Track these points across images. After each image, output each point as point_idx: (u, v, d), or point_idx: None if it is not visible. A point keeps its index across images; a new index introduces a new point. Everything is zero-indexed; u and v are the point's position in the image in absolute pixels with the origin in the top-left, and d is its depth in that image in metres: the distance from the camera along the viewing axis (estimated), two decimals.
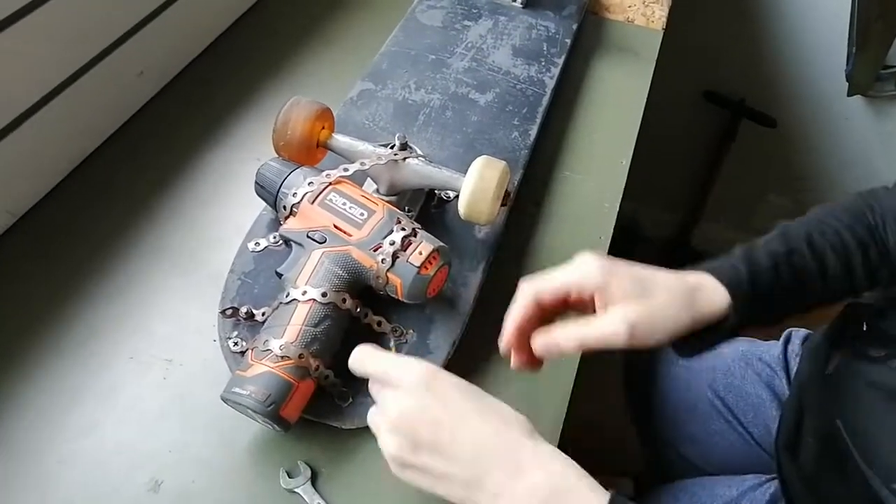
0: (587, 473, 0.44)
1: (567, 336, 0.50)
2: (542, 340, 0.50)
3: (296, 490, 0.55)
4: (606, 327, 0.49)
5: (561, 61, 0.90)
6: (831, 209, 0.60)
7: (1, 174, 0.67)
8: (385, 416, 0.47)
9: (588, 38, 1.01)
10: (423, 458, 0.45)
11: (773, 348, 0.85)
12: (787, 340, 0.85)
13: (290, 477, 0.55)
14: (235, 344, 0.60)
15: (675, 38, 1.13)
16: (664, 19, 1.05)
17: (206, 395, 0.58)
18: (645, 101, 0.93)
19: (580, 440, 0.80)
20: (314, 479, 0.55)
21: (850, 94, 1.47)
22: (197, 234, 0.71)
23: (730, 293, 0.52)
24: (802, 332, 0.85)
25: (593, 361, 0.68)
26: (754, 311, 0.53)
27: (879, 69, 1.41)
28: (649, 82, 0.96)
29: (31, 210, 0.71)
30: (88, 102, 0.75)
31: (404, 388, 0.47)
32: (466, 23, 0.93)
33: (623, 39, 1.02)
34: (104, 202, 0.73)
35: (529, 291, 0.51)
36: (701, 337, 0.53)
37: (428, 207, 0.71)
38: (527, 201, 0.78)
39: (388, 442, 0.47)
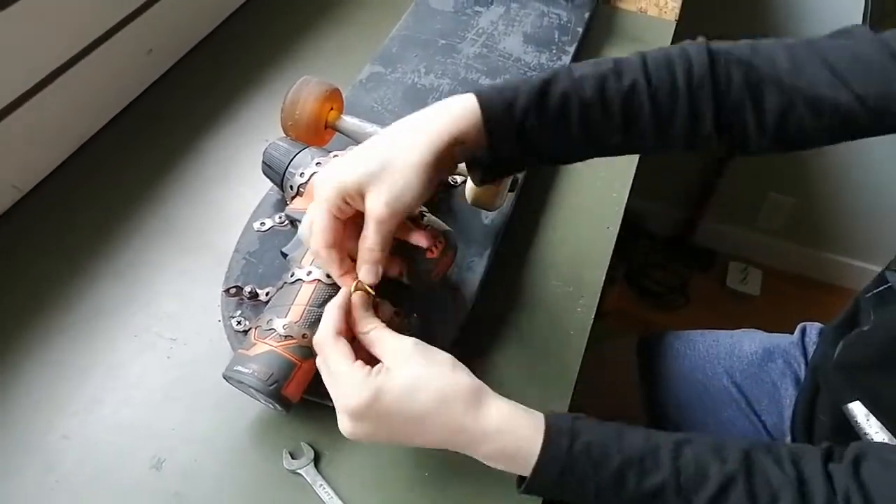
0: (522, 415, 0.47)
1: (365, 257, 0.50)
2: (364, 275, 0.51)
3: (298, 471, 0.54)
4: (371, 229, 0.49)
5: (572, 50, 0.89)
6: (692, 53, 0.52)
7: (8, 149, 0.67)
8: (340, 425, 0.48)
9: (600, 27, 1.01)
10: (385, 442, 0.49)
11: (790, 339, 0.86)
12: (804, 332, 0.85)
13: (292, 458, 0.55)
14: (238, 323, 0.59)
15: (688, 29, 1.12)
16: (677, 10, 1.05)
17: (210, 375, 0.58)
18: None
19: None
20: (317, 462, 0.55)
21: None
22: (204, 213, 0.71)
23: (489, 138, 0.50)
24: (817, 325, 0.85)
25: (606, 340, 0.68)
26: (517, 148, 0.51)
27: None
28: None
29: (38, 185, 0.71)
30: (96, 80, 0.74)
31: (348, 416, 0.47)
32: (478, 8, 0.93)
33: (635, 29, 1.01)
34: (111, 180, 0.73)
35: (319, 240, 0.50)
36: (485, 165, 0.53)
37: (435, 192, 0.71)
38: (535, 189, 0.78)
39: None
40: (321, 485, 0.54)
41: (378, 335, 0.49)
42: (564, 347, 0.65)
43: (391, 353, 0.48)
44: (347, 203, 0.50)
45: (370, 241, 0.50)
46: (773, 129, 0.52)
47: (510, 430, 0.47)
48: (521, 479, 0.48)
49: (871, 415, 0.62)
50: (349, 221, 0.51)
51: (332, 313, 0.50)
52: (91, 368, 0.59)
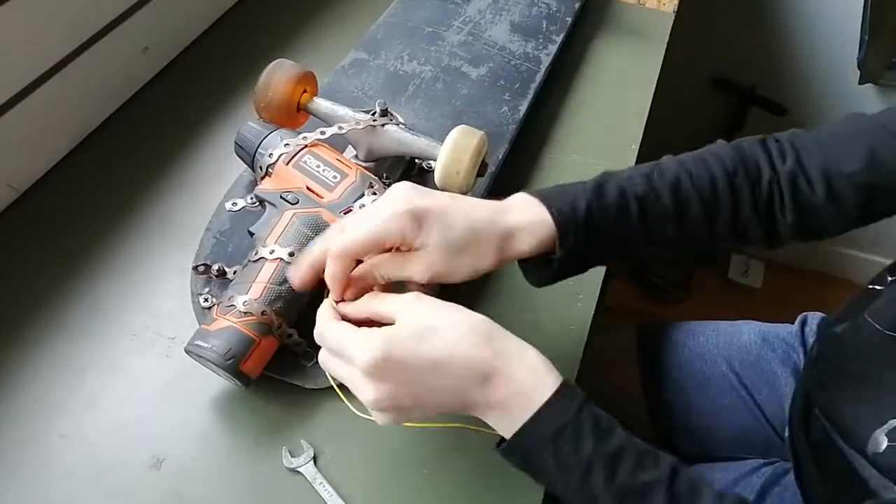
0: (545, 364, 0.46)
1: (374, 273, 0.50)
2: (357, 278, 0.51)
3: (298, 469, 0.54)
4: (407, 271, 0.49)
5: (559, 39, 0.89)
6: (719, 149, 0.57)
7: (3, 148, 0.67)
8: (362, 396, 0.46)
9: (597, 19, 1.00)
10: (409, 410, 0.47)
11: (790, 329, 0.85)
12: (804, 322, 0.85)
13: (292, 456, 0.55)
14: (206, 300, 0.61)
15: (686, 23, 1.11)
16: (675, 2, 1.04)
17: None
18: (655, 83, 0.92)
19: None
20: (316, 460, 0.55)
21: (861, 82, 1.45)
22: (201, 211, 0.70)
23: (558, 227, 0.50)
24: (818, 315, 0.85)
25: (603, 331, 0.68)
26: (585, 245, 0.52)
27: (892, 57, 1.39)
28: (660, 65, 0.95)
29: (34, 185, 0.71)
30: (92, 78, 0.74)
31: (365, 377, 0.45)
32: None
33: (633, 21, 1.01)
34: (108, 178, 0.73)
35: (340, 253, 0.49)
36: (539, 268, 0.53)
37: (409, 176, 0.71)
38: (514, 179, 0.77)
39: (373, 410, 0.47)
40: (321, 483, 0.54)
41: (378, 295, 0.49)
42: (565, 342, 0.65)
43: (395, 304, 0.47)
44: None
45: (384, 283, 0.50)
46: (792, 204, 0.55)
47: (527, 370, 0.45)
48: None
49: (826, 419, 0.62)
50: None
51: (325, 309, 0.50)
52: (89, 368, 0.59)
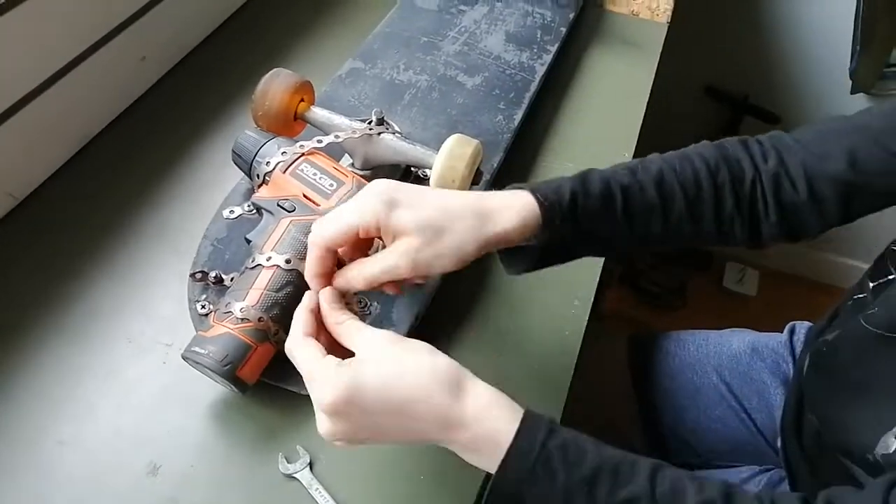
0: (503, 403, 0.45)
1: (354, 274, 0.50)
2: (337, 283, 0.50)
3: (294, 475, 0.55)
4: (388, 261, 0.48)
5: (554, 49, 0.90)
6: (703, 148, 0.57)
7: (3, 157, 0.67)
8: (318, 426, 0.46)
9: (590, 29, 1.01)
10: (364, 442, 0.47)
11: (779, 338, 0.86)
12: (792, 331, 0.85)
13: (288, 462, 0.55)
14: (203, 307, 0.61)
15: (679, 32, 1.13)
16: (669, 12, 1.05)
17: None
18: (648, 93, 0.93)
19: (580, 420, 0.80)
20: (312, 465, 0.55)
21: (853, 91, 1.46)
22: (199, 217, 0.70)
23: (542, 211, 0.50)
24: (806, 324, 0.85)
25: (598, 338, 0.68)
26: (570, 232, 0.52)
27: (883, 67, 1.40)
28: (653, 75, 0.96)
29: (34, 193, 0.72)
30: (90, 87, 0.75)
31: (325, 413, 0.45)
32: (462, 7, 0.94)
33: (627, 32, 1.02)
34: (106, 185, 0.74)
35: (318, 243, 0.49)
36: (519, 256, 0.53)
37: None
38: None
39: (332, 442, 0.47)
40: (317, 488, 0.54)
41: (351, 327, 0.48)
42: (559, 349, 0.65)
43: (365, 344, 0.46)
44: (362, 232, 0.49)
45: (361, 282, 0.49)
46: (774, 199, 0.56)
47: (489, 417, 0.45)
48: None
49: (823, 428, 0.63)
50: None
51: (299, 317, 0.49)
52: (86, 373, 0.59)
